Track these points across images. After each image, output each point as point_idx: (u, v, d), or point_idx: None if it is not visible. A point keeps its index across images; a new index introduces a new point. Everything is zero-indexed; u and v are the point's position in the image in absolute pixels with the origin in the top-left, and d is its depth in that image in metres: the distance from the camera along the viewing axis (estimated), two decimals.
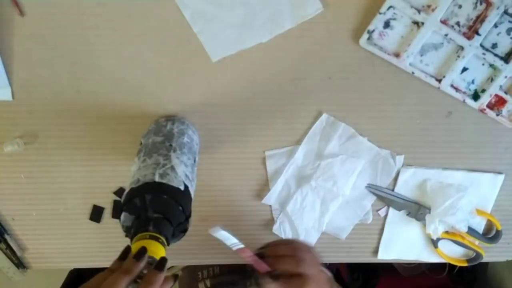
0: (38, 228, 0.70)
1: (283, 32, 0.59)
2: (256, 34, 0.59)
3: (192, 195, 0.52)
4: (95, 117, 0.63)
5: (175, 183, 0.49)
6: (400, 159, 0.67)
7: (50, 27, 0.57)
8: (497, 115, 0.63)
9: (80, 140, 0.64)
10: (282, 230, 0.71)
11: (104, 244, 0.72)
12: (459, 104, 0.63)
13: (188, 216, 0.48)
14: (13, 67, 0.59)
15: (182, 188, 0.49)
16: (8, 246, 0.70)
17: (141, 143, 0.58)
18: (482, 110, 0.62)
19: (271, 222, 0.71)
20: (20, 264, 0.72)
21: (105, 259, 0.73)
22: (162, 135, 0.57)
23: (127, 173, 0.67)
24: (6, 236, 0.69)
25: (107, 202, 0.69)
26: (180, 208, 0.47)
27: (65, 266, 0.75)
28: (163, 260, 0.41)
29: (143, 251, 0.41)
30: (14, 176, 0.66)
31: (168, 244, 0.44)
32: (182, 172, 0.51)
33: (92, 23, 0.57)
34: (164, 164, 0.51)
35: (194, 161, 0.57)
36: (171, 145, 0.54)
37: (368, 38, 0.58)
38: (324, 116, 0.64)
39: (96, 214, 0.69)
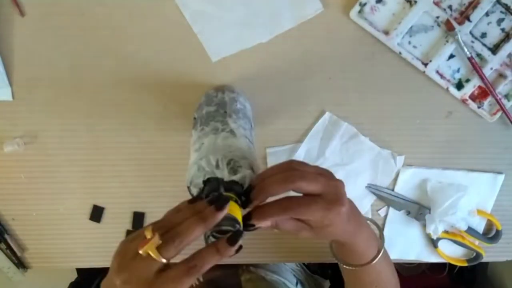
0: (38, 228, 0.70)
1: (283, 32, 0.59)
2: (256, 34, 0.59)
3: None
4: (95, 117, 0.63)
5: (239, 144, 0.46)
6: (400, 159, 0.67)
7: (50, 27, 0.57)
8: (479, 107, 0.62)
9: (80, 140, 0.64)
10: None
11: (104, 244, 0.72)
12: (459, 104, 0.63)
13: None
14: (13, 67, 0.59)
15: (248, 147, 0.46)
16: (8, 246, 0.70)
17: (194, 118, 0.56)
18: (464, 101, 0.62)
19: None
20: (20, 264, 0.71)
21: (105, 259, 0.73)
22: (215, 104, 0.55)
23: (128, 173, 0.67)
24: (6, 236, 0.69)
25: (107, 202, 0.69)
26: (250, 170, 0.43)
27: (65, 266, 0.75)
28: (239, 233, 0.37)
29: (225, 200, 0.36)
30: (14, 176, 0.66)
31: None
32: (242, 135, 0.49)
33: (92, 23, 0.57)
34: (223, 129, 0.49)
35: (251, 126, 0.55)
36: (225, 111, 0.53)
37: (359, 11, 0.58)
38: (327, 115, 0.64)
39: (96, 214, 0.69)
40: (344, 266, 0.52)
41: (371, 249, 0.50)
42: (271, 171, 0.42)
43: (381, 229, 0.54)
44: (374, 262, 0.50)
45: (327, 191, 0.41)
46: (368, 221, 0.53)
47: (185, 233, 0.36)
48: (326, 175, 0.43)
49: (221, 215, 0.36)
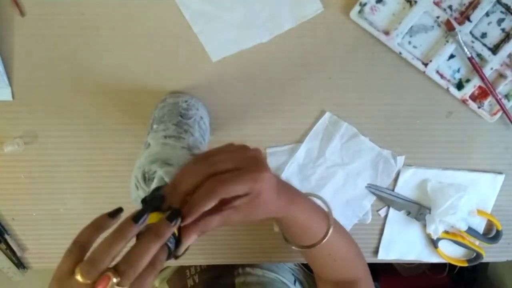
0: (38, 228, 0.70)
1: (283, 32, 0.59)
2: (256, 34, 0.59)
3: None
4: (95, 117, 0.63)
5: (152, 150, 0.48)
6: (401, 159, 0.67)
7: (50, 27, 0.57)
8: (479, 107, 0.62)
9: (80, 140, 0.64)
10: None
11: None
12: (459, 104, 0.63)
13: None
14: (13, 67, 0.59)
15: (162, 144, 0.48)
16: (8, 246, 0.70)
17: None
18: (464, 101, 0.62)
19: (271, 219, 0.71)
20: (20, 264, 0.72)
21: None
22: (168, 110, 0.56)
23: (127, 173, 0.67)
24: (6, 236, 0.69)
25: (107, 202, 0.69)
26: (166, 166, 0.45)
27: None
28: (177, 212, 0.36)
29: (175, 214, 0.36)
30: (14, 176, 0.66)
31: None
32: (158, 137, 0.50)
33: (92, 23, 0.57)
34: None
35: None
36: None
37: (360, 11, 0.57)
38: (327, 115, 0.64)
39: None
40: (297, 248, 0.53)
41: (317, 225, 0.50)
42: (181, 176, 0.40)
43: (328, 204, 0.52)
44: (324, 240, 0.50)
45: (246, 163, 0.41)
46: (315, 198, 0.53)
47: (143, 256, 0.34)
48: (240, 151, 0.43)
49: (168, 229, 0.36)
